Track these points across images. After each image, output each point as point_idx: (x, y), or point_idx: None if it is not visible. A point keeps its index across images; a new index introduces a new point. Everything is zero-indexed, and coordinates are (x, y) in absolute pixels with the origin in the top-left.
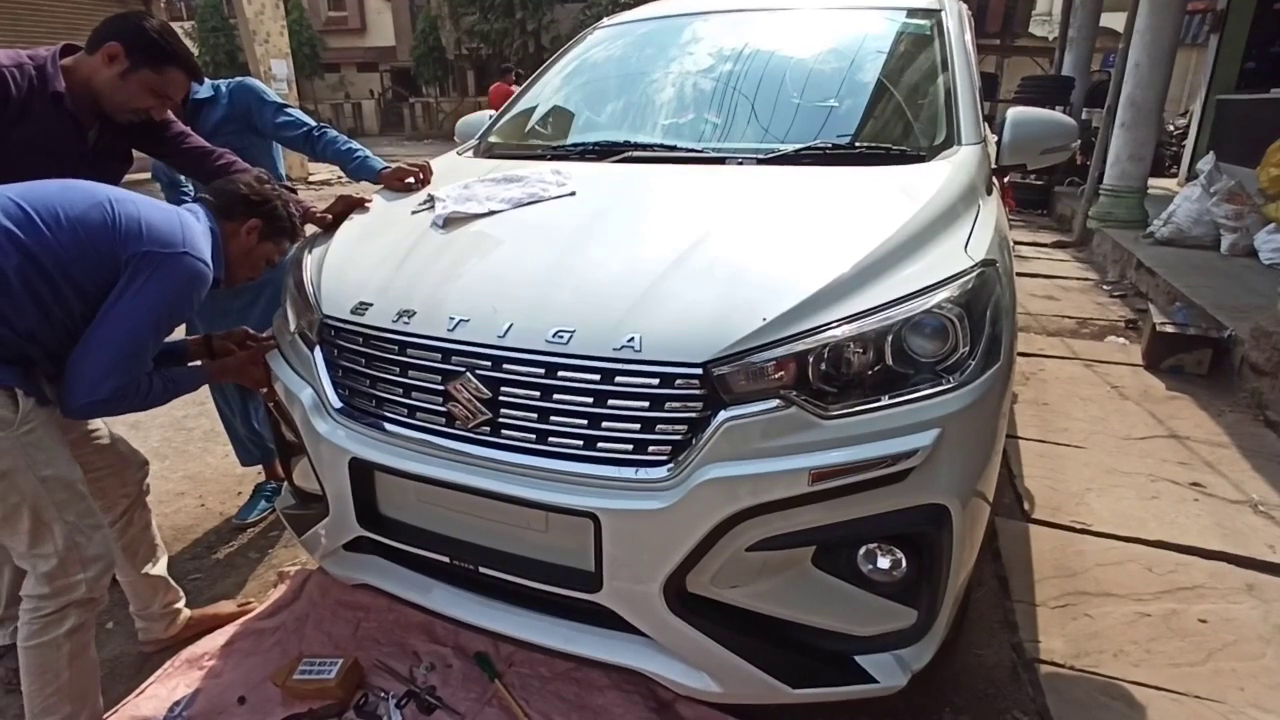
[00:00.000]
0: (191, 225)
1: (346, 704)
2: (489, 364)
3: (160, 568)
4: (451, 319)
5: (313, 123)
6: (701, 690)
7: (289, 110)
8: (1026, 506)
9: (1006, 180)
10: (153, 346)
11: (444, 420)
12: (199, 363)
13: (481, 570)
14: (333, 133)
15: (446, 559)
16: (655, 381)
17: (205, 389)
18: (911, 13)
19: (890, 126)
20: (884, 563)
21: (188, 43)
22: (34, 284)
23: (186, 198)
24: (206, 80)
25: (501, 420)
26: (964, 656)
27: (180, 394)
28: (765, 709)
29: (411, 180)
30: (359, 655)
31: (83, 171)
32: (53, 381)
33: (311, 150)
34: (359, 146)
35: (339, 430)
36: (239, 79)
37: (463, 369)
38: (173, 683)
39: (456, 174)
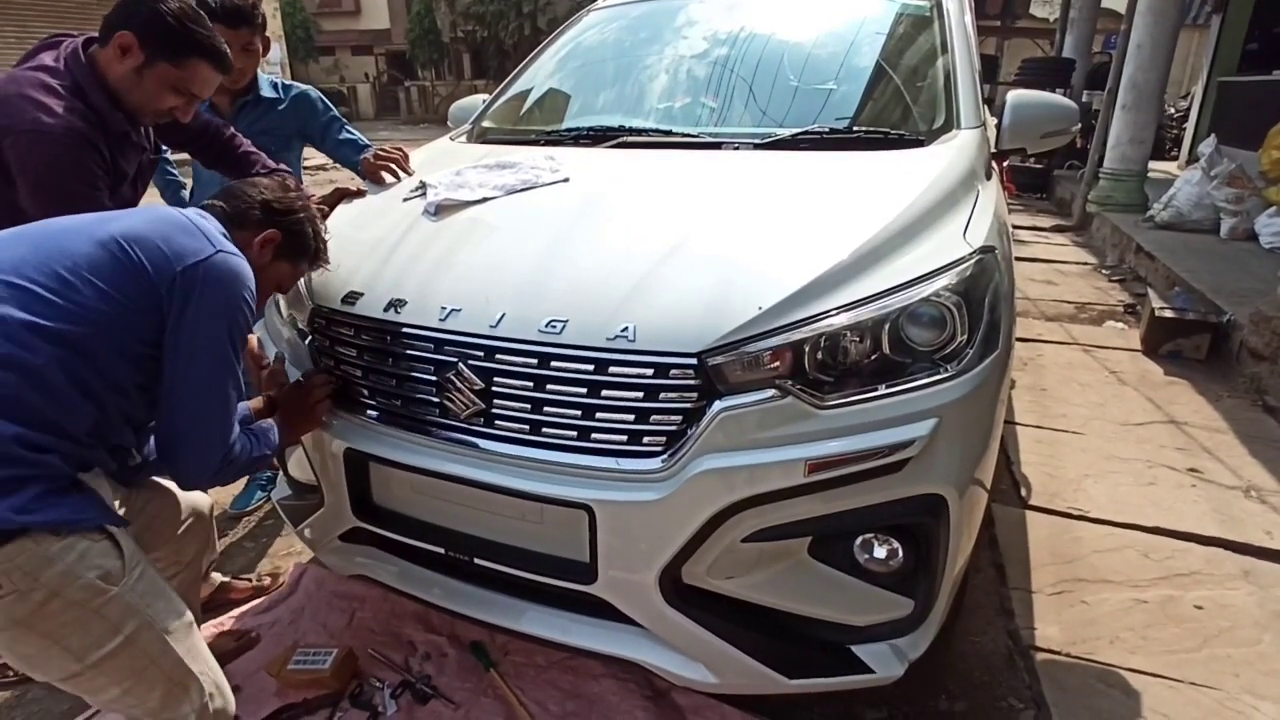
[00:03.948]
0: (205, 223)
1: (341, 694)
2: (481, 354)
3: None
4: (443, 309)
5: (368, 142)
6: (698, 681)
7: (349, 128)
8: (1024, 493)
9: (1005, 164)
10: (235, 378)
11: (437, 411)
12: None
13: (476, 561)
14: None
15: (442, 550)
16: (649, 372)
17: None
18: None
19: (888, 110)
20: (881, 553)
21: None
22: (80, 374)
23: (173, 171)
24: (266, 79)
25: (495, 411)
26: (960, 643)
27: (273, 448)
28: (762, 698)
29: (387, 175)
30: (354, 645)
31: (144, 180)
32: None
33: (358, 170)
34: None
35: (333, 421)
36: (303, 87)
37: (455, 359)
38: None
39: (449, 160)
